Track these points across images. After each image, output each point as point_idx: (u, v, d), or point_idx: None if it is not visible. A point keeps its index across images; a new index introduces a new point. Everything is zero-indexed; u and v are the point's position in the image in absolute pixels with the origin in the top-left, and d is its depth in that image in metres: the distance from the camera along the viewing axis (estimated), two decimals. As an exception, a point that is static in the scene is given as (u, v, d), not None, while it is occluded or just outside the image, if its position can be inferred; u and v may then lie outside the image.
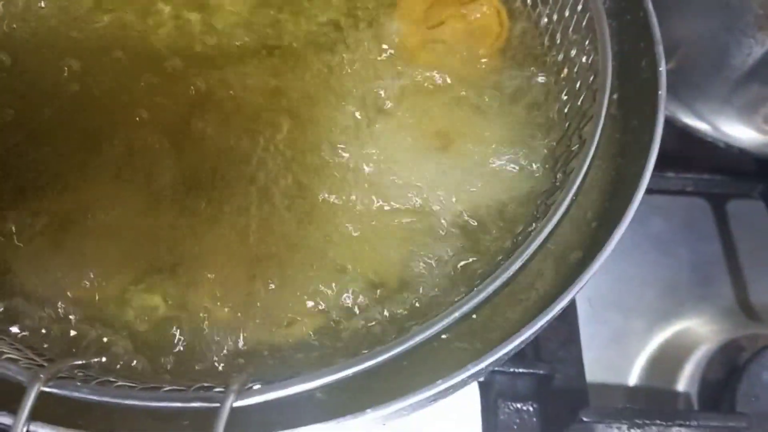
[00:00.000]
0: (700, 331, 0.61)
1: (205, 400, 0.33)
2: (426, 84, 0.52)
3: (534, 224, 0.42)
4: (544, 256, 0.43)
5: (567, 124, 0.47)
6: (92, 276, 0.42)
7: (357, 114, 0.49)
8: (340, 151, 0.48)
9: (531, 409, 0.54)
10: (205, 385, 0.34)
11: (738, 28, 0.56)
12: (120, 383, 0.34)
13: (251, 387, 0.34)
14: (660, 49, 0.46)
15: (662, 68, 0.46)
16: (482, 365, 0.35)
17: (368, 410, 0.34)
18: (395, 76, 0.51)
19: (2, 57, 0.49)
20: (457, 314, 0.36)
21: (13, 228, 0.43)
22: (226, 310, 0.41)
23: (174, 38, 0.51)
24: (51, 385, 0.32)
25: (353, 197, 0.46)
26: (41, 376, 0.32)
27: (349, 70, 0.51)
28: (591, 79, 0.47)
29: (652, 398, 0.57)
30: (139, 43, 0.51)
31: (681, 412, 0.54)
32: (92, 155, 0.45)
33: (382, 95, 0.51)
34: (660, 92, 0.45)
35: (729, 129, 0.61)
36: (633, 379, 0.59)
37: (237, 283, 0.42)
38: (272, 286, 0.42)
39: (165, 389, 0.34)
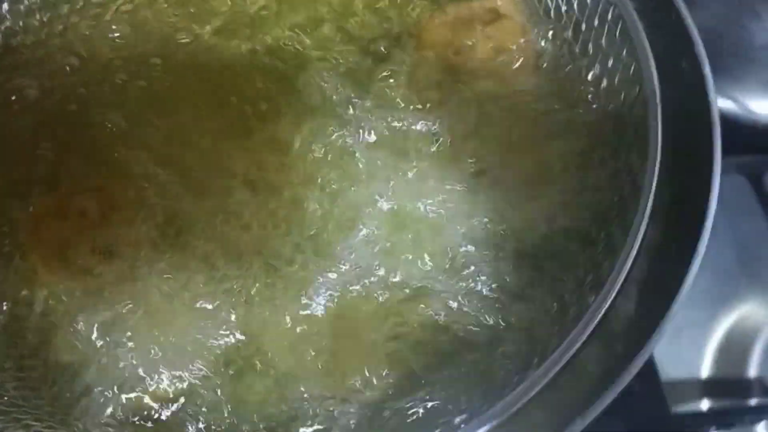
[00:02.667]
0: (761, 312, 0.61)
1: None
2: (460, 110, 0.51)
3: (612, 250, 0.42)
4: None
5: (619, 137, 0.47)
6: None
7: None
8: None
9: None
10: None
11: (759, 8, 0.55)
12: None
13: None
14: (701, 50, 0.46)
15: (707, 71, 0.45)
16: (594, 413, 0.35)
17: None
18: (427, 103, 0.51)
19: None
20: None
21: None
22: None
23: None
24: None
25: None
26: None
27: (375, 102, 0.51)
28: (637, 89, 0.46)
29: (727, 389, 0.57)
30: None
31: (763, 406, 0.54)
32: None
33: (416, 127, 0.50)
34: (710, 97, 0.44)
35: (761, 109, 0.61)
36: (704, 371, 0.59)
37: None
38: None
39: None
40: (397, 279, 0.44)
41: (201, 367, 0.41)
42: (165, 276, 0.42)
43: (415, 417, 0.39)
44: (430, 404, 0.40)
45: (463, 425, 0.36)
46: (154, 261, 0.43)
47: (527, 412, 0.37)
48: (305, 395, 0.40)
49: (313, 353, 0.41)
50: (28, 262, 0.45)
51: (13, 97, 0.50)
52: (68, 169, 0.48)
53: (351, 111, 0.51)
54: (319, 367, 0.41)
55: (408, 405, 0.40)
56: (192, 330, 0.42)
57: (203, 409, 0.40)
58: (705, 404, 0.55)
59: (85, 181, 0.47)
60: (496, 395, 0.37)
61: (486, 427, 0.35)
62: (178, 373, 0.40)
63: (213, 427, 0.40)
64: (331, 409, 0.40)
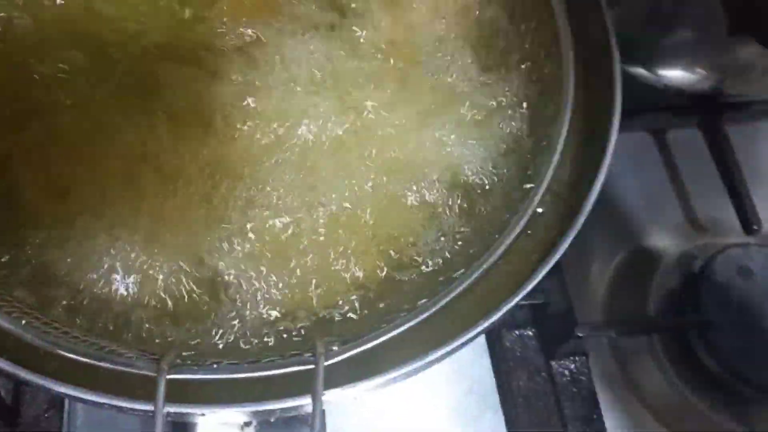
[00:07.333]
0: (659, 247, 0.72)
1: (301, 363, 0.40)
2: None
3: (528, 181, 0.51)
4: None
5: (539, 91, 0.55)
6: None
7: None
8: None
9: (531, 333, 0.64)
10: (294, 352, 0.42)
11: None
12: (226, 362, 0.41)
13: (332, 348, 0.41)
14: (609, 21, 0.55)
15: (614, 39, 0.54)
16: (519, 296, 0.44)
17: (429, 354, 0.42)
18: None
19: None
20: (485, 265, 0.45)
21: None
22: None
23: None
24: (172, 372, 0.39)
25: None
26: (164, 367, 0.39)
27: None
28: (553, 49, 0.55)
29: (627, 309, 0.68)
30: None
31: (655, 319, 0.65)
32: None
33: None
34: (615, 60, 0.53)
35: (664, 72, 0.71)
36: (609, 296, 0.69)
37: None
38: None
39: (264, 361, 0.41)
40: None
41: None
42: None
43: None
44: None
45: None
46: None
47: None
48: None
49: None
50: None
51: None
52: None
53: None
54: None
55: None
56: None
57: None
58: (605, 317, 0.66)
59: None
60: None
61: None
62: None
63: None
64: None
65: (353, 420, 0.62)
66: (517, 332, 0.64)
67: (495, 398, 0.65)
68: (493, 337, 0.65)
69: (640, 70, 0.72)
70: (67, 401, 0.62)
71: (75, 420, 0.62)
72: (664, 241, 0.72)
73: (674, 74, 0.71)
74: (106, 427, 0.63)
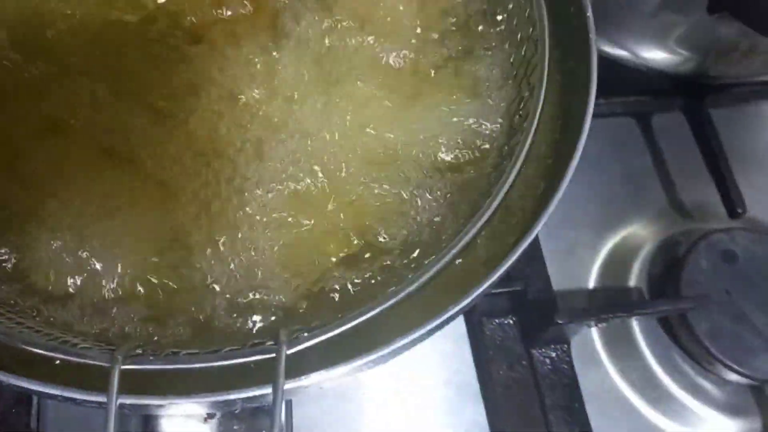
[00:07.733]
0: (642, 233, 0.70)
1: (262, 353, 0.39)
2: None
3: (503, 162, 0.49)
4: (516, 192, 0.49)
5: (515, 73, 0.54)
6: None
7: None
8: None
9: (511, 321, 0.62)
10: (256, 341, 0.40)
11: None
12: (185, 352, 0.40)
13: (297, 336, 0.40)
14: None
15: (590, 14, 0.53)
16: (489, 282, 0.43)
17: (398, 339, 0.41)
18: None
19: None
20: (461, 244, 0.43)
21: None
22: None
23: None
24: (128, 362, 0.38)
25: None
26: (119, 357, 0.38)
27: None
28: (530, 30, 0.53)
29: (610, 296, 0.67)
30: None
31: (637, 303, 0.63)
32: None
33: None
34: (591, 35, 0.52)
35: (646, 54, 0.69)
36: (591, 283, 0.68)
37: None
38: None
39: (225, 350, 0.40)
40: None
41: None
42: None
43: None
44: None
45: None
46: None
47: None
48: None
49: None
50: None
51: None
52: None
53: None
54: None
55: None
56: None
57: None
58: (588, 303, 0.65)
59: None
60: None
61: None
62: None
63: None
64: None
65: (329, 411, 0.60)
66: (497, 321, 0.62)
67: (475, 387, 0.63)
68: (473, 326, 0.64)
69: (622, 53, 0.71)
70: (35, 397, 0.60)
71: (45, 416, 0.61)
72: (647, 226, 0.71)
73: (656, 56, 0.69)
74: (78, 423, 0.61)
